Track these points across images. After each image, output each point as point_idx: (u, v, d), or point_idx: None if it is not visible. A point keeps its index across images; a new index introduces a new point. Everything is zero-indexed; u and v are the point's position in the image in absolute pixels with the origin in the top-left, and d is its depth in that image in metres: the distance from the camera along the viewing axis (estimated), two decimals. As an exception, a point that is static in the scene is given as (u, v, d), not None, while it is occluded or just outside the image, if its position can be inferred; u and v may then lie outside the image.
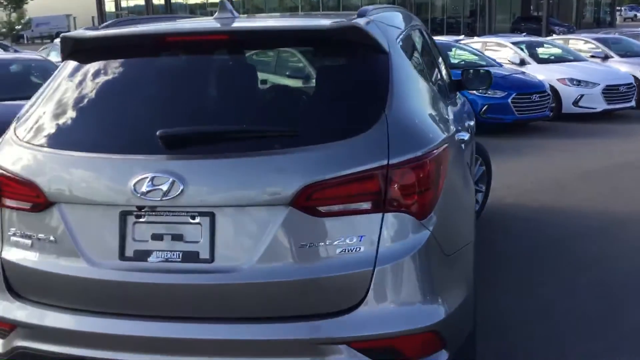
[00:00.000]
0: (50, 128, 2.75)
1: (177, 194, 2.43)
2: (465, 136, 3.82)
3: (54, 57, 14.12)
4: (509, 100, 11.20)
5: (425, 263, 2.51)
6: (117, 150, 2.56)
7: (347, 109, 2.60)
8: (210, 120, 2.67)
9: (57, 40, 29.59)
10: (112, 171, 2.54)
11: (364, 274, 2.44)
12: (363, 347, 2.45)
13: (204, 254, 2.48)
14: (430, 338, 2.51)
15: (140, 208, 2.50)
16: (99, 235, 2.58)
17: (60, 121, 2.76)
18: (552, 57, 14.31)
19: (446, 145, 2.74)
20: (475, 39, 17.02)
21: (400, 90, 2.68)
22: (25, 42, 52.49)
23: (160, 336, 2.52)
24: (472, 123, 4.80)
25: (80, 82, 2.83)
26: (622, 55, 15.16)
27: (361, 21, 2.67)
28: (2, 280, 2.75)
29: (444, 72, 4.53)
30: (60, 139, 2.69)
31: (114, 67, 2.87)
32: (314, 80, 2.79)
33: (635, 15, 66.57)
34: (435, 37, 6.32)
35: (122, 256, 2.54)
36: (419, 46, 3.73)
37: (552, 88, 12.36)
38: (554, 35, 23.55)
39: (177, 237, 2.50)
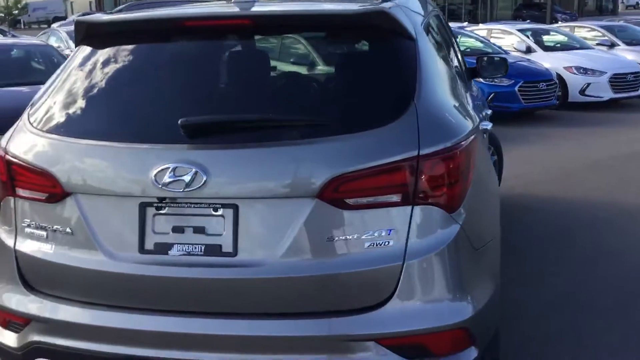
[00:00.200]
0: (66, 116, 2.65)
1: (199, 185, 2.34)
2: (488, 125, 3.73)
3: (54, 42, 14.00)
4: (516, 89, 11.11)
5: (455, 258, 2.43)
6: (136, 139, 2.47)
7: (375, 98, 2.51)
8: (232, 108, 2.57)
9: (55, 25, 29.43)
10: (131, 161, 2.45)
11: (392, 269, 2.35)
12: (392, 344, 2.37)
13: (227, 248, 2.39)
14: (460, 335, 2.43)
15: (161, 199, 2.42)
16: (117, 227, 2.49)
17: (77, 109, 2.66)
18: (558, 45, 14.19)
19: (474, 135, 2.65)
20: (481, 25, 16.88)
21: (427, 79, 2.59)
22: (22, 27, 52.11)
23: (180, 331, 2.44)
24: (489, 112, 4.71)
25: (96, 69, 2.73)
26: (628, 43, 15.04)
27: (387, 5, 2.57)
28: (16, 272, 2.67)
29: (460, 59, 4.43)
30: (77, 127, 2.60)
31: (131, 53, 2.76)
32: (338, 68, 2.68)
33: (637, 3, 66.29)
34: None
35: (141, 249, 2.45)
36: (439, 33, 3.63)
37: (559, 76, 12.26)
38: (560, 22, 23.34)
39: (199, 230, 2.42)
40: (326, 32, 2.78)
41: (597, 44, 14.80)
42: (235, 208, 2.38)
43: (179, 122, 2.38)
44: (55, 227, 2.56)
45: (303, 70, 2.92)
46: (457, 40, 12.74)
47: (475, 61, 4.85)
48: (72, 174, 2.51)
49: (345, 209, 2.34)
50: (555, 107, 11.95)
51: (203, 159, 2.36)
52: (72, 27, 19.09)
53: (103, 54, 2.77)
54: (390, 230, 2.36)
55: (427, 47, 2.77)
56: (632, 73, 12.82)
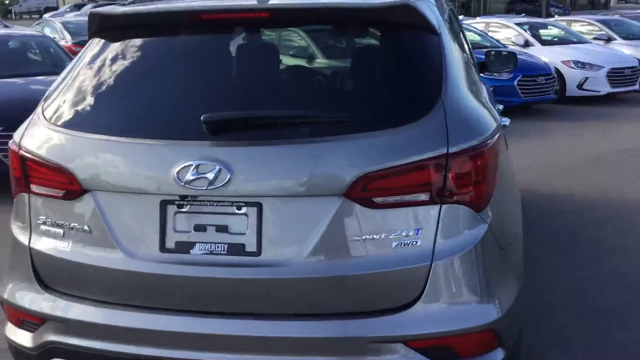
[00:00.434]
0: (83, 110, 2.59)
1: (223, 183, 2.28)
2: (507, 121, 3.68)
3: (48, 33, 13.81)
4: (515, 83, 11.09)
5: (483, 257, 2.39)
6: (156, 135, 2.41)
7: (401, 94, 2.45)
8: (255, 104, 2.50)
9: (47, 16, 29.16)
10: (152, 158, 2.39)
11: (421, 269, 2.31)
12: (420, 346, 2.32)
13: (251, 247, 2.33)
14: (488, 336, 2.39)
15: (183, 197, 2.36)
16: (136, 225, 2.43)
17: (94, 103, 2.59)
18: (556, 39, 14.17)
19: (499, 133, 2.61)
20: (478, 19, 16.83)
21: (452, 75, 2.54)
22: (14, 17, 51.60)
23: (201, 332, 2.38)
24: (501, 107, 4.66)
25: (112, 62, 2.66)
26: (624, 38, 15.04)
27: None
28: (30, 271, 2.60)
29: (471, 54, 4.38)
30: (95, 123, 2.53)
31: (147, 46, 2.70)
32: (362, 63, 2.62)
33: (629, -3, 66.38)
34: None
35: (162, 248, 2.39)
36: (456, 27, 3.58)
37: (557, 70, 12.24)
38: (556, 16, 23.32)
39: (222, 229, 2.36)
40: (349, 26, 2.71)
41: (594, 38, 14.79)
42: (259, 206, 2.33)
43: (202, 118, 2.32)
44: (72, 224, 2.50)
45: (325, 64, 2.85)
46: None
47: (484, 56, 4.80)
48: (90, 170, 2.44)
49: (373, 208, 2.29)
50: (553, 101, 11.95)
51: (227, 156, 2.30)
52: (65, 18, 18.89)
53: (118, 47, 2.70)
54: (418, 229, 2.31)
55: (449, 42, 2.72)
56: (629, 67, 12.84)
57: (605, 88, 12.57)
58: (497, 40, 13.01)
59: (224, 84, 2.59)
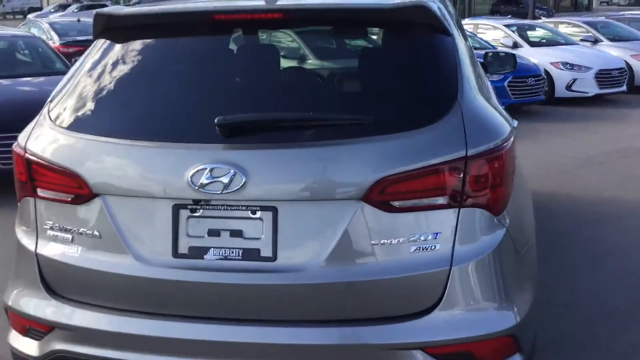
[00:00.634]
0: (91, 113, 2.53)
1: (238, 187, 2.24)
2: (515, 123, 3.65)
3: (35, 33, 13.64)
4: (505, 84, 11.09)
5: (501, 262, 2.36)
6: (169, 138, 2.36)
7: (419, 96, 2.42)
8: (270, 106, 2.46)
9: (31, 16, 28.85)
10: (164, 161, 2.33)
11: (440, 274, 2.27)
12: (439, 353, 2.29)
13: (266, 252, 2.29)
14: (507, 342, 2.36)
15: (196, 202, 2.30)
16: (148, 230, 2.38)
17: (104, 105, 2.53)
18: (544, 41, 14.22)
19: (514, 135, 2.58)
20: (467, 20, 16.86)
21: (466, 76, 2.52)
22: (-4, 17, 51.07)
23: (216, 340, 2.33)
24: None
25: (120, 63, 2.61)
26: (611, 39, 15.13)
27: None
28: (37, 277, 2.54)
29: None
30: (106, 125, 2.47)
31: (157, 47, 2.65)
32: (377, 64, 2.57)
33: (610, 0, 67.02)
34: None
35: (175, 253, 2.34)
36: (462, 29, 3.55)
37: (545, 72, 12.28)
38: (543, 18, 23.45)
39: (236, 233, 2.31)
40: (362, 27, 2.68)
41: (581, 40, 14.86)
42: (275, 211, 2.28)
43: (216, 120, 2.27)
44: (81, 229, 2.44)
45: (340, 66, 2.80)
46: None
47: (481, 57, 4.78)
48: (101, 174, 2.39)
49: (392, 212, 2.26)
50: (543, 102, 11.98)
51: (241, 159, 2.26)
52: (50, 18, 18.66)
53: (127, 48, 2.64)
54: (437, 233, 2.27)
55: (461, 44, 2.69)
56: (617, 69, 12.91)
57: (593, 89, 12.63)
58: (487, 42, 13.02)
59: (237, 86, 2.55)
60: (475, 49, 11.48)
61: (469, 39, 4.37)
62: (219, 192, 2.24)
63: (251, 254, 2.29)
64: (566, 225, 5.76)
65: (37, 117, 2.65)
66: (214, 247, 2.31)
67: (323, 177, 2.25)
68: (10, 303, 2.64)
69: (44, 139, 2.52)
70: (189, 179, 2.26)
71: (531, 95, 11.44)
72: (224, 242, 2.31)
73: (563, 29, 16.15)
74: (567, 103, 12.61)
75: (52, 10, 36.07)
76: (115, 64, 2.61)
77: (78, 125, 2.49)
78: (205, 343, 2.34)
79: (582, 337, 3.74)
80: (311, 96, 2.51)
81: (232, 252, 2.30)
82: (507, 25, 14.57)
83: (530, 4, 26.11)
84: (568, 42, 14.14)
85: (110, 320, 2.42)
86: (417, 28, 2.52)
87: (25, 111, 6.12)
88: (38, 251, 2.53)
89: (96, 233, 2.41)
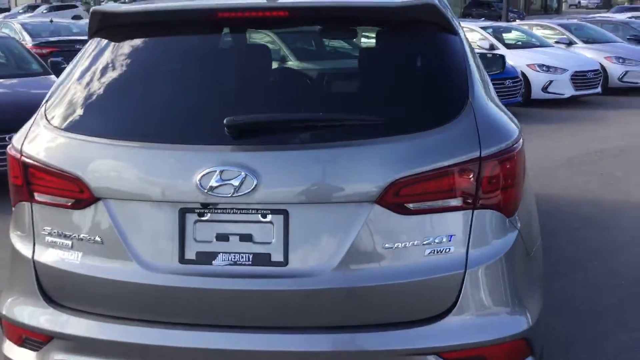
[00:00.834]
0: (92, 114, 2.44)
1: (249, 189, 2.17)
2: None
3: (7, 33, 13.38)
4: (483, 86, 11.12)
5: (514, 264, 2.33)
6: (175, 139, 2.28)
7: (431, 96, 2.38)
8: (278, 106, 2.39)
9: (-1, 17, 28.32)
10: (171, 163, 2.26)
11: (454, 277, 2.23)
12: (453, 358, 2.24)
13: (277, 257, 2.22)
14: (521, 346, 2.32)
15: (205, 205, 2.23)
16: (153, 235, 2.29)
17: (104, 106, 2.44)
18: (519, 43, 14.34)
19: (522, 136, 2.55)
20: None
21: (475, 76, 2.48)
22: (-38, 18, 50.10)
23: (224, 348, 2.26)
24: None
25: (121, 63, 2.52)
26: (584, 41, 15.31)
27: None
28: (35, 285, 2.44)
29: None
30: (107, 126, 2.38)
31: (159, 46, 2.57)
32: (387, 64, 2.52)
33: (579, 2, 68.00)
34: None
35: (182, 259, 2.26)
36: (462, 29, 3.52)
37: (522, 73, 12.37)
38: (517, 21, 23.67)
39: (246, 238, 2.24)
40: (369, 26, 2.62)
41: (556, 42, 15.02)
42: (286, 214, 2.22)
43: (225, 121, 2.20)
44: (81, 235, 2.35)
45: (348, 66, 2.74)
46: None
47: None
48: (103, 177, 2.30)
49: (405, 214, 2.21)
50: (520, 104, 12.06)
51: (252, 161, 2.19)
52: (20, 19, 18.29)
53: (126, 46, 2.55)
54: (451, 236, 2.23)
55: (467, 44, 2.66)
56: (592, 71, 13.08)
57: (569, 91, 12.77)
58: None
59: (243, 86, 2.47)
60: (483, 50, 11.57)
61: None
62: (229, 195, 2.17)
63: (261, 259, 2.23)
64: (551, 226, 5.76)
65: (33, 118, 2.55)
66: (223, 252, 2.24)
67: (336, 179, 2.20)
68: (4, 312, 2.54)
69: (41, 141, 2.43)
70: (198, 181, 2.18)
71: (508, 97, 11.50)
72: (233, 247, 2.24)
73: (536, 31, 16.31)
74: (543, 105, 12.72)
75: (20, 11, 35.48)
76: (115, 63, 2.52)
77: (78, 126, 2.40)
78: (213, 352, 2.27)
79: (573, 338, 3.73)
80: (322, 96, 2.46)
81: (242, 257, 2.24)
82: (484, 28, 14.65)
83: (504, 6, 26.35)
84: (543, 44, 14.28)
85: (113, 329, 2.33)
86: (426, 27, 2.48)
87: (6, 112, 6.01)
88: (35, 258, 2.43)
89: (98, 239, 2.32)
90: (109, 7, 2.58)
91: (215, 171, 2.17)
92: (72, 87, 2.52)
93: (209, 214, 2.25)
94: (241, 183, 2.16)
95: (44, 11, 33.48)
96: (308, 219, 2.23)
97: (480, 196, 2.24)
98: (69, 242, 2.37)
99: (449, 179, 2.21)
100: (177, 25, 2.58)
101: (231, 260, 2.23)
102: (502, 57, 4.90)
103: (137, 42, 2.56)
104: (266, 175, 2.18)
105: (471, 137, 2.24)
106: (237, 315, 2.27)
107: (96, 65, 2.54)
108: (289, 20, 2.58)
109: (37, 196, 2.42)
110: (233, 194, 2.17)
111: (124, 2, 2.67)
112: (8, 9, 42.79)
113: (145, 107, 2.44)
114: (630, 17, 23.49)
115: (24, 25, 14.14)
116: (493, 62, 4.81)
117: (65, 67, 8.28)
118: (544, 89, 12.70)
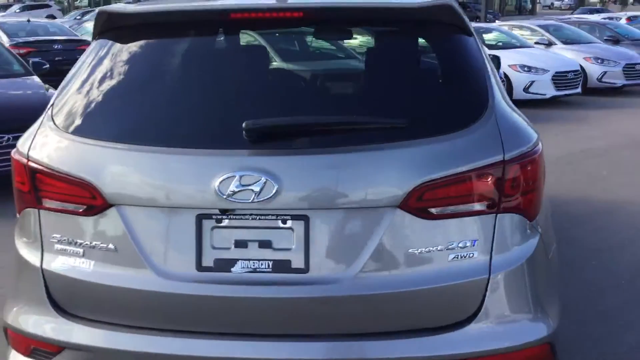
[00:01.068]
0: (105, 117, 2.36)
1: (270, 195, 2.11)
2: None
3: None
4: (467, 86, 11.15)
5: (537, 268, 2.31)
6: (191, 144, 2.21)
7: (453, 98, 2.34)
8: (297, 109, 2.34)
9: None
10: (188, 168, 2.19)
11: (478, 283, 2.20)
12: None
13: (298, 263, 2.17)
14: (545, 351, 2.30)
15: (223, 211, 2.17)
16: (169, 242, 2.23)
17: (117, 109, 2.37)
18: (500, 43, 14.40)
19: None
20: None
21: (493, 78, 2.46)
22: None
23: (245, 357, 2.20)
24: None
25: (131, 64, 2.45)
26: (563, 42, 15.45)
27: None
28: (44, 294, 2.36)
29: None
30: (121, 130, 2.31)
31: (172, 48, 2.50)
32: (406, 66, 2.48)
33: (552, 4, 68.80)
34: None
35: (199, 266, 2.20)
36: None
37: (504, 74, 12.42)
38: (497, 21, 23.82)
39: (265, 244, 2.19)
40: (386, 27, 2.57)
41: (536, 43, 15.13)
42: (306, 220, 2.17)
43: (244, 125, 2.14)
44: (94, 242, 2.27)
45: (367, 67, 2.68)
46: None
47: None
48: (117, 183, 2.23)
49: (429, 219, 2.17)
50: (502, 104, 12.10)
51: (272, 166, 2.13)
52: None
53: (136, 47, 2.48)
54: (475, 240, 2.20)
55: (482, 46, 2.63)
56: (572, 71, 13.19)
57: (550, 91, 12.86)
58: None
59: (260, 89, 2.42)
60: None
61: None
62: (250, 200, 2.12)
63: (282, 266, 2.18)
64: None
65: (38, 121, 2.47)
66: (242, 259, 2.19)
67: (358, 184, 2.15)
68: (9, 321, 2.46)
69: (49, 146, 2.35)
70: (217, 187, 2.12)
71: (492, 97, 11.54)
72: (252, 254, 2.19)
73: (514, 31, 16.41)
74: (524, 105, 12.73)
75: (-8, 10, 34.94)
76: (126, 65, 2.44)
77: (89, 130, 2.32)
78: None
79: (577, 339, 3.73)
80: (342, 99, 2.41)
81: (262, 264, 2.18)
82: (464, 28, 14.67)
83: (483, 8, 26.56)
84: (524, 45, 14.37)
85: (127, 339, 2.26)
86: (444, 28, 2.45)
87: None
88: (44, 267, 2.35)
89: (111, 246, 2.25)
90: (116, 7, 2.51)
91: (235, 176, 2.12)
92: (80, 90, 2.44)
93: (226, 220, 2.19)
94: (262, 188, 2.11)
95: (17, 10, 33.01)
96: (329, 225, 2.18)
97: (503, 200, 2.21)
98: (80, 250, 2.29)
99: (473, 183, 2.18)
100: (188, 26, 2.51)
101: (250, 267, 2.18)
102: (497, 57, 4.91)
103: (148, 43, 2.49)
104: (287, 180, 2.13)
105: (494, 140, 2.21)
106: (257, 323, 2.22)
107: (105, 67, 2.46)
108: (303, 21, 2.53)
109: (46, 202, 2.34)
110: (253, 199, 2.11)
111: (129, 2, 2.59)
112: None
113: (159, 111, 2.37)
114: (604, 18, 23.78)
115: (0, 25, 13.88)
116: (493, 61, 4.80)
117: (47, 68, 8.11)
118: (526, 89, 12.77)
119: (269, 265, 2.18)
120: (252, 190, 2.11)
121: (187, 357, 2.22)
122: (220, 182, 2.12)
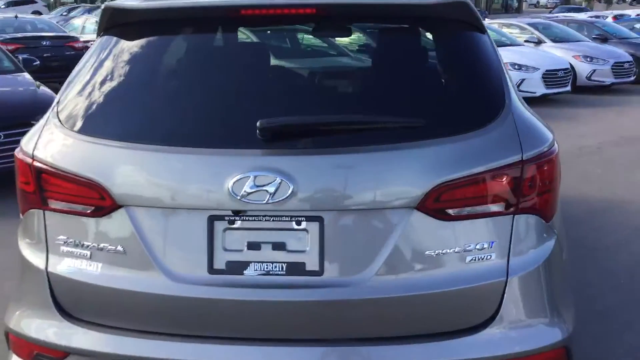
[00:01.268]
0: (112, 116, 2.30)
1: (285, 196, 2.06)
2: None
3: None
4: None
5: (554, 270, 2.27)
6: (203, 143, 2.15)
7: (470, 98, 2.30)
8: (311, 108, 2.28)
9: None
10: (200, 169, 2.13)
11: (496, 285, 2.16)
12: None
13: (312, 266, 2.12)
14: (561, 354, 2.27)
15: (236, 212, 2.11)
16: (180, 244, 2.17)
17: (127, 108, 2.30)
18: (490, 41, 14.40)
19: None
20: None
21: (508, 77, 2.42)
22: None
23: None
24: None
25: (140, 62, 2.39)
26: (552, 40, 15.49)
27: None
28: (49, 298, 2.29)
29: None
30: (130, 129, 2.24)
31: (181, 45, 2.44)
32: (422, 64, 2.44)
33: (538, 2, 69.10)
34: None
35: (211, 269, 2.14)
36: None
37: (495, 72, 12.43)
38: (487, 20, 23.86)
39: (279, 246, 2.13)
40: (401, 24, 2.52)
41: (526, 41, 15.15)
42: (321, 221, 2.12)
43: (258, 124, 2.08)
44: (102, 244, 2.21)
45: (382, 65, 2.63)
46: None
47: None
48: (126, 183, 2.16)
49: (447, 220, 2.13)
50: (493, 102, 12.11)
51: (287, 166, 2.08)
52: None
53: (146, 44, 2.42)
54: (493, 242, 2.16)
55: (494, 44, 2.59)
56: (562, 69, 13.23)
57: (540, 89, 12.88)
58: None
59: (273, 87, 2.36)
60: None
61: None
62: (264, 201, 2.06)
63: (296, 268, 2.12)
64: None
65: (43, 120, 2.40)
66: (255, 262, 2.13)
67: (374, 185, 2.10)
68: (11, 326, 2.39)
69: (55, 145, 2.28)
70: (230, 188, 2.07)
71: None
72: (265, 256, 2.13)
73: (503, 30, 16.43)
74: (515, 103, 12.80)
75: (-23, 6, 34.51)
76: (133, 62, 2.38)
77: (97, 129, 2.25)
78: None
79: (577, 338, 3.70)
80: (357, 97, 2.35)
81: (275, 267, 2.13)
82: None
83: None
84: (514, 43, 14.39)
85: (135, 344, 2.20)
86: (459, 26, 2.41)
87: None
88: (49, 269, 2.28)
89: (120, 248, 2.19)
90: (123, 3, 2.44)
91: (249, 177, 2.06)
92: (86, 88, 2.37)
93: (239, 222, 2.14)
94: (277, 189, 2.06)
95: (2, 6, 32.64)
96: (344, 226, 2.13)
97: (521, 201, 2.18)
98: (87, 252, 2.23)
99: (492, 183, 2.14)
100: (196, 23, 2.45)
101: (263, 269, 2.13)
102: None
103: (155, 40, 2.43)
104: (302, 180, 2.07)
105: (512, 140, 2.18)
106: (269, 327, 2.17)
107: (111, 65, 2.39)
108: (315, 18, 2.47)
109: (52, 203, 2.27)
110: (268, 200, 2.06)
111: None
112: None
113: (169, 110, 2.31)
114: (591, 17, 23.92)
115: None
116: None
117: (37, 64, 7.99)
118: (516, 87, 12.77)
119: (282, 268, 2.13)
120: (267, 191, 2.06)
121: None
122: (234, 183, 2.06)
